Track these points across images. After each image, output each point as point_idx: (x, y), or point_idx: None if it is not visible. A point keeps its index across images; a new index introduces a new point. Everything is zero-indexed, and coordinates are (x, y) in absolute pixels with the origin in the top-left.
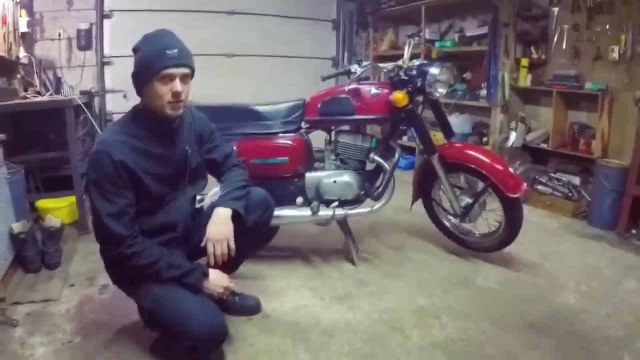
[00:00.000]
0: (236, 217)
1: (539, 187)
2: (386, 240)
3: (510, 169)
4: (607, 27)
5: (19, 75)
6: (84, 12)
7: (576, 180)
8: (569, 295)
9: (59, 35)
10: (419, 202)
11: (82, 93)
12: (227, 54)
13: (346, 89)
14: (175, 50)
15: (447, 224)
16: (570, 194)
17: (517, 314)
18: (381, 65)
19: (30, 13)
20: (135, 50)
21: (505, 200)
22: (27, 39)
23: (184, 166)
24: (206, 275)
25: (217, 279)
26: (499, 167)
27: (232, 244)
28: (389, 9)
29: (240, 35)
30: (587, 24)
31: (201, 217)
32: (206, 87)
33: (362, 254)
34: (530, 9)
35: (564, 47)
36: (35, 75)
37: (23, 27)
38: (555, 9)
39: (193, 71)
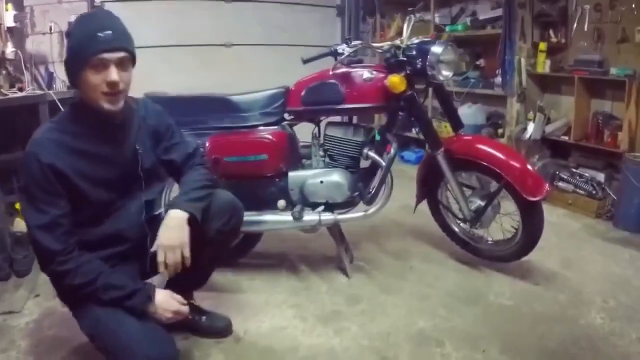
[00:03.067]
0: (196, 224)
1: (560, 183)
2: (387, 245)
3: (529, 167)
4: (633, 6)
5: (4, 72)
6: (75, 4)
7: (600, 177)
8: (595, 314)
9: (50, 29)
10: (425, 202)
11: (70, 88)
12: (225, 43)
13: (331, 73)
14: (109, 32)
15: (455, 229)
16: (593, 192)
17: (534, 338)
18: (375, 44)
19: (20, 7)
20: (67, 34)
21: (524, 203)
22: (16, 34)
23: (134, 168)
24: (151, 297)
25: (164, 303)
26: (516, 164)
27: (187, 252)
28: None
29: (240, 24)
30: (611, 3)
31: (160, 224)
32: (205, 79)
33: (357, 263)
34: None
35: (585, 29)
36: (25, 71)
37: (9, 22)
38: None
39: (133, 56)
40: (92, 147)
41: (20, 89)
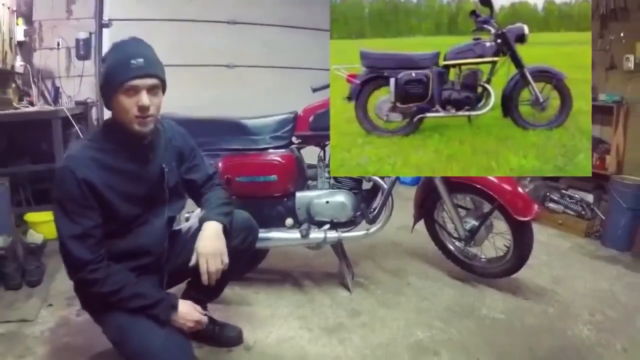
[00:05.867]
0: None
1: (550, 204)
2: (385, 263)
3: (520, 189)
4: (622, 35)
5: (13, 85)
6: (83, 21)
7: (589, 198)
8: (582, 326)
9: (58, 44)
10: (422, 221)
11: (78, 103)
12: (228, 64)
13: None
14: (141, 60)
15: (451, 247)
16: (583, 212)
17: (525, 349)
18: None
19: (29, 21)
20: (103, 60)
21: (514, 223)
22: (24, 48)
23: (160, 185)
24: (175, 307)
25: (187, 312)
26: (507, 187)
27: (226, 259)
28: None
29: (243, 46)
30: (600, 32)
31: (179, 240)
32: (205, 99)
33: (357, 279)
34: None
35: None
36: (33, 85)
37: (20, 36)
38: None
39: (164, 82)
40: (122, 164)
41: (31, 103)
